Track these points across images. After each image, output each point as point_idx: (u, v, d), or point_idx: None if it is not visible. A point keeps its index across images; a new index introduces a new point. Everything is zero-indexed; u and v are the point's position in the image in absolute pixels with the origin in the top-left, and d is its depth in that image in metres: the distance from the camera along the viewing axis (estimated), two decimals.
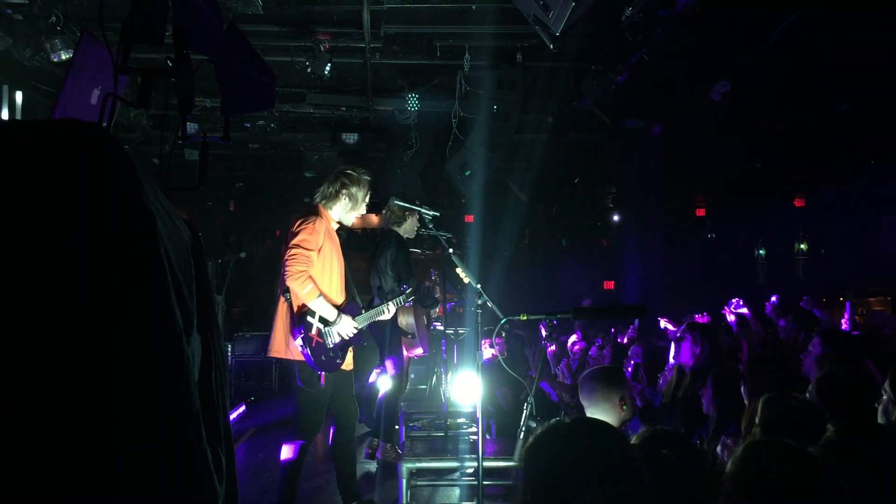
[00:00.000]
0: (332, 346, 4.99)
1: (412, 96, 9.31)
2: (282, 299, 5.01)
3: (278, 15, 7.79)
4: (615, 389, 3.71)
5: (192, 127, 9.29)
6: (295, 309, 4.92)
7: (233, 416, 9.54)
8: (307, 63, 8.21)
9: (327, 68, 8.27)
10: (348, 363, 5.23)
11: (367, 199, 5.24)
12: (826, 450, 2.19)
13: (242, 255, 10.76)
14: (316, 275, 4.92)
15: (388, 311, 5.49)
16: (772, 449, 2.01)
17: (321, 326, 4.94)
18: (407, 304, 5.87)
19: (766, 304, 7.63)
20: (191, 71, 2.37)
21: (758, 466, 1.94)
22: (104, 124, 2.09)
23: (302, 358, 4.88)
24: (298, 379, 4.98)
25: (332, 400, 5.16)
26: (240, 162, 13.23)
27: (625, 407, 3.68)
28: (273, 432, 9.21)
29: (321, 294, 4.90)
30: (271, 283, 16.40)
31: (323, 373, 4.98)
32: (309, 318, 4.90)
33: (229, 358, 11.69)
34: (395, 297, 5.61)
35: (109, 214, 1.63)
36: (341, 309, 5.08)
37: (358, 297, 5.70)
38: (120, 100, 2.14)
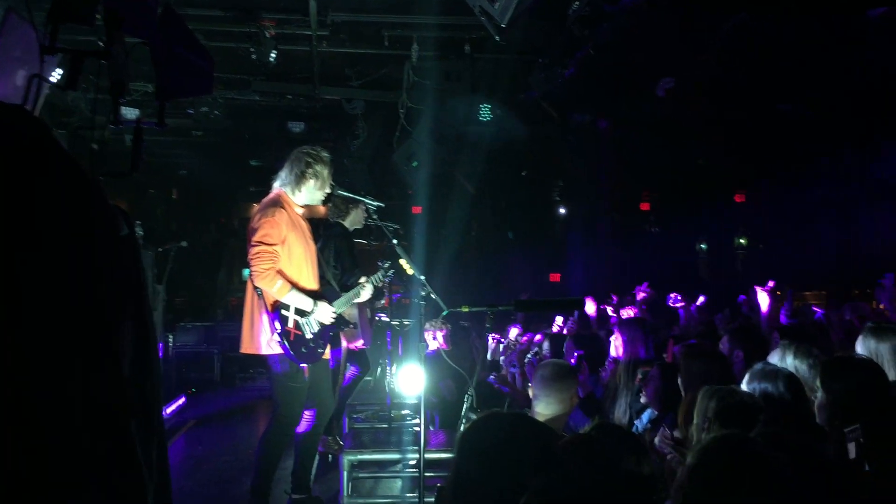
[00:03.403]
0: (311, 336, 4.89)
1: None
2: (252, 295, 4.89)
3: None
4: (570, 386, 3.88)
5: (132, 112, 9.05)
6: (269, 304, 4.79)
7: (172, 407, 9.37)
8: (252, 49, 8.07)
9: (272, 55, 8.14)
10: (326, 353, 5.15)
11: (331, 176, 5.15)
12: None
13: (184, 244, 10.53)
14: (284, 266, 4.81)
15: (365, 293, 5.40)
16: (735, 444, 2.04)
17: (298, 318, 4.84)
18: (385, 280, 5.78)
19: (692, 305, 7.76)
20: (124, 53, 2.29)
21: (720, 460, 1.97)
22: (29, 106, 2.01)
23: (280, 350, 4.76)
24: (279, 371, 4.85)
25: (310, 391, 5.04)
26: (183, 149, 12.96)
27: (573, 399, 3.88)
28: (213, 424, 9.10)
29: (293, 286, 4.81)
30: (214, 272, 16.27)
31: (306, 365, 4.89)
32: (284, 312, 4.78)
33: (170, 349, 11.47)
34: (373, 276, 5.53)
35: (27, 202, 1.57)
36: (317, 296, 5.00)
37: (333, 280, 5.62)
38: (46, 81, 2.05)
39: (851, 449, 2.61)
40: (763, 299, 6.11)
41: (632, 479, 2.06)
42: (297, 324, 4.82)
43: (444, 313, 4.22)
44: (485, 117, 8.55)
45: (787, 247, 14.30)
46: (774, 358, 3.84)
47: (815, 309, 7.28)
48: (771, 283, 6.27)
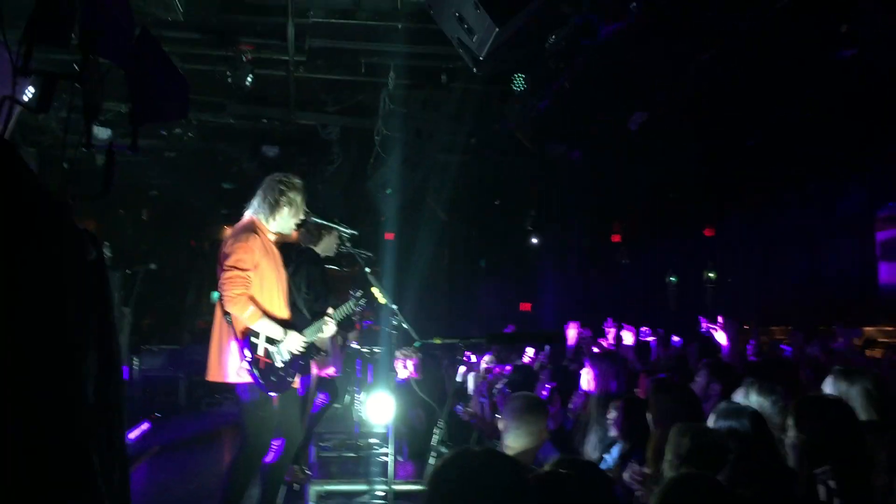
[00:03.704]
0: (281, 364, 4.80)
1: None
2: (221, 321, 4.78)
3: (200, 22, 7.61)
4: (541, 419, 3.89)
5: (104, 132, 8.97)
6: (238, 332, 4.68)
7: (136, 432, 9.18)
8: (228, 73, 8.06)
9: (249, 79, 8.12)
10: (295, 381, 5.07)
11: (304, 203, 5.11)
12: (726, 482, 2.23)
13: (152, 266, 10.43)
14: (256, 293, 4.72)
15: (328, 328, 5.28)
16: (697, 484, 2.04)
17: (268, 346, 4.74)
18: (357, 310, 5.69)
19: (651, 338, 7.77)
20: (97, 76, 2.27)
21: (684, 500, 1.96)
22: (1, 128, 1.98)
23: (249, 379, 4.65)
24: (248, 400, 4.73)
25: (279, 421, 4.94)
26: (155, 170, 12.83)
27: (543, 433, 3.88)
28: (179, 451, 8.93)
29: (264, 314, 4.73)
30: (182, 295, 16.08)
31: (275, 395, 4.80)
32: (254, 339, 4.69)
33: (135, 372, 11.28)
34: (341, 307, 5.43)
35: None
36: (288, 325, 4.92)
37: (305, 308, 5.54)
38: (18, 103, 2.02)
39: (821, 491, 2.62)
40: (721, 337, 6.17)
41: None
42: (266, 352, 4.73)
43: (417, 344, 4.19)
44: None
45: (754, 280, 14.51)
46: (738, 396, 3.88)
47: (783, 347, 7.36)
48: (720, 319, 6.35)
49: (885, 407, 3.63)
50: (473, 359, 8.23)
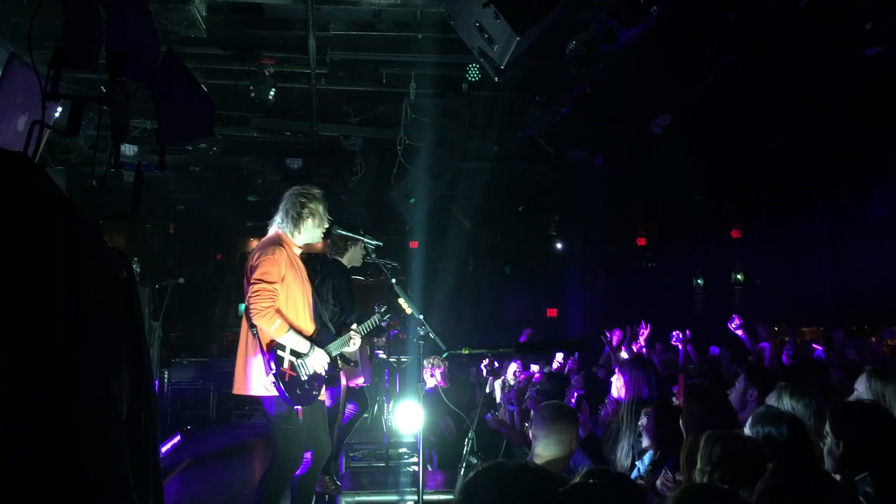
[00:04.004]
0: (306, 377, 4.82)
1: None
2: (247, 334, 4.81)
3: (222, 38, 7.69)
4: (571, 428, 3.85)
5: (130, 148, 9.09)
6: (264, 344, 4.72)
7: (167, 446, 9.27)
8: (251, 87, 8.13)
9: (272, 93, 8.19)
10: (322, 393, 5.09)
11: (326, 212, 5.13)
12: (764, 493, 2.20)
13: (181, 280, 10.52)
14: (282, 306, 4.75)
15: (353, 343, 5.26)
16: (706, 494, 2.01)
17: (293, 359, 4.76)
18: (382, 324, 5.70)
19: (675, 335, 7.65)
20: (125, 98, 2.31)
21: None
22: (29, 152, 2.01)
23: (275, 392, 4.67)
24: (274, 414, 4.77)
25: (307, 433, 4.96)
26: (181, 184, 12.98)
27: (573, 442, 3.84)
28: (209, 463, 8.99)
29: (291, 327, 4.75)
30: (210, 308, 16.21)
31: (300, 407, 4.81)
32: (280, 353, 4.72)
33: (165, 385, 11.38)
34: (365, 322, 5.45)
35: (25, 252, 1.56)
36: (313, 339, 4.94)
37: (330, 322, 5.57)
38: (48, 127, 2.06)
39: (862, 499, 2.57)
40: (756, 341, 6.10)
41: None
42: (292, 364, 4.75)
43: (445, 355, 4.18)
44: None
45: (783, 282, 14.33)
46: (771, 399, 3.83)
47: (814, 346, 7.25)
48: (737, 320, 6.28)
49: None
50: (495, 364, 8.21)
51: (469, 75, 7.91)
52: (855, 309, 11.84)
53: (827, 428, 2.99)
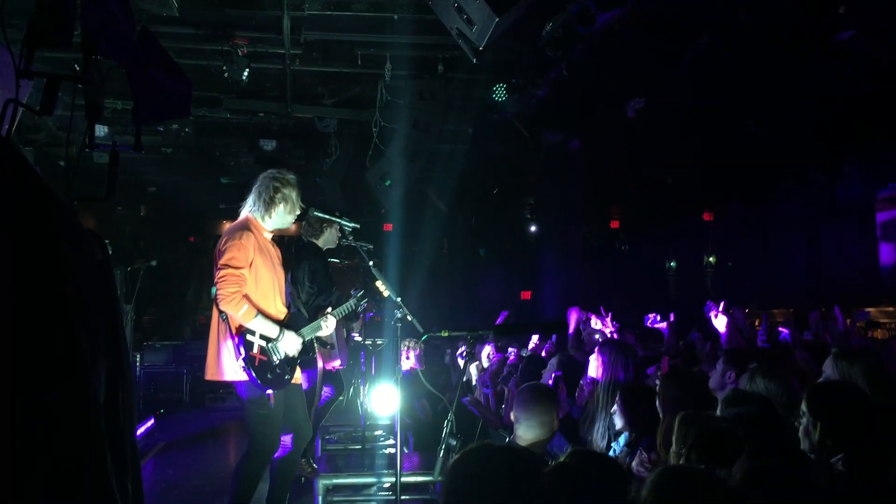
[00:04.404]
0: (277, 361, 4.77)
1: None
2: (218, 319, 4.76)
3: (195, 17, 7.57)
4: (551, 409, 3.86)
5: (101, 129, 8.93)
6: (233, 329, 4.66)
7: (140, 429, 9.20)
8: (224, 67, 8.02)
9: (245, 73, 8.09)
10: (297, 376, 5.05)
11: (299, 198, 5.09)
12: (741, 474, 2.22)
13: (153, 262, 10.41)
14: (251, 291, 4.70)
15: (327, 326, 5.19)
16: (683, 475, 2.03)
17: (263, 344, 4.71)
18: (358, 309, 5.67)
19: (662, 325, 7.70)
20: (100, 77, 2.26)
21: (669, 495, 1.95)
22: (3, 132, 1.97)
23: (246, 377, 4.62)
24: (247, 399, 4.73)
25: (285, 417, 4.92)
26: (153, 166, 12.81)
27: (555, 423, 3.86)
28: (184, 447, 8.95)
29: (259, 312, 4.69)
30: (183, 291, 16.09)
31: (271, 392, 4.76)
32: (249, 337, 4.66)
33: (138, 369, 11.28)
34: (341, 306, 5.37)
35: (5, 233, 1.53)
36: (283, 323, 4.89)
37: (307, 305, 5.51)
38: (22, 106, 2.01)
39: (838, 478, 2.62)
40: (719, 323, 6.15)
41: None
42: (261, 349, 4.70)
43: (424, 337, 4.18)
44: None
45: (754, 265, 14.50)
46: (743, 382, 3.88)
47: (780, 329, 7.33)
48: (722, 304, 6.32)
49: (887, 386, 3.64)
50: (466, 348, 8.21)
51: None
52: (828, 291, 12.01)
53: (803, 408, 3.02)
